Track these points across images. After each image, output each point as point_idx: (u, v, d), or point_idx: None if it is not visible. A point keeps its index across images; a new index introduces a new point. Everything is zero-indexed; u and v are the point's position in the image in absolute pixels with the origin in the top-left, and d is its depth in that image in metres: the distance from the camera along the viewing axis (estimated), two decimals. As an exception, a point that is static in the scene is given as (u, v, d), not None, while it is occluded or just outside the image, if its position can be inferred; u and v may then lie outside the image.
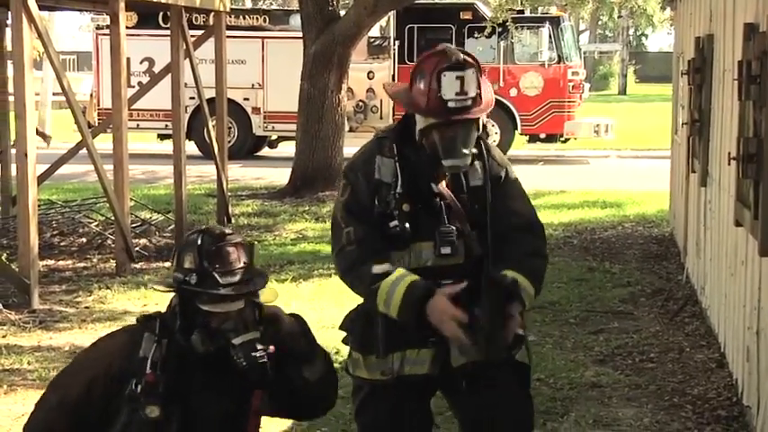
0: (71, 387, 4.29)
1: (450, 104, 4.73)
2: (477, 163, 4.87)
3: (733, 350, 8.75)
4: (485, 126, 4.92)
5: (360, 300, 4.90)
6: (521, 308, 4.64)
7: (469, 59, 4.83)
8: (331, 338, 9.69)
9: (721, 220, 9.35)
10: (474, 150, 4.80)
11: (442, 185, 4.84)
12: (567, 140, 26.51)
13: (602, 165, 25.16)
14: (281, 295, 4.70)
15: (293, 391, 4.41)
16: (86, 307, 11.70)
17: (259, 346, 4.22)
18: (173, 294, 4.36)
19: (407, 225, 4.68)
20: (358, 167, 4.88)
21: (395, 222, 4.70)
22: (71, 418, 4.24)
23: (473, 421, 4.93)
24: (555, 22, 26.73)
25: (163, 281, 4.48)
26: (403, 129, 4.92)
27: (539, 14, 26.90)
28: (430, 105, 4.76)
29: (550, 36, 26.48)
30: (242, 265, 4.27)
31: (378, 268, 4.65)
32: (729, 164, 8.07)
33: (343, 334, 5.00)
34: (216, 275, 4.18)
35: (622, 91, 61.22)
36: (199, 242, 4.24)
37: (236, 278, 4.22)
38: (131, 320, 4.79)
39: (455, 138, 4.74)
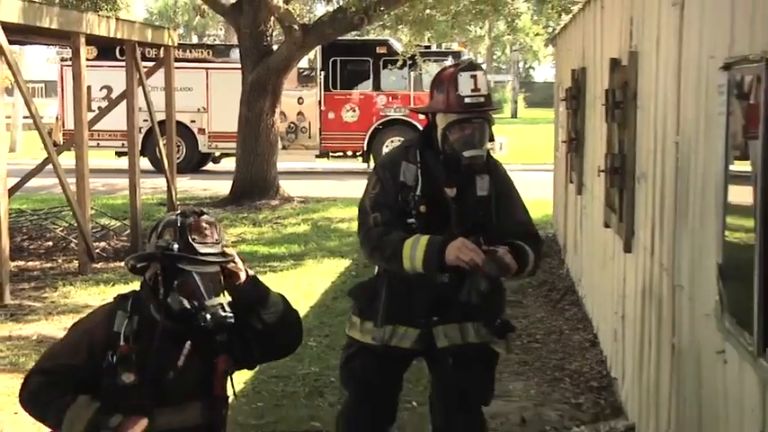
0: (59, 358, 4.28)
1: (467, 100, 4.89)
2: (485, 176, 4.97)
3: (604, 332, 8.87)
4: (493, 136, 5.03)
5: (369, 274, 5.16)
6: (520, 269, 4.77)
7: (479, 64, 5.17)
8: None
9: (593, 222, 9.44)
10: (485, 153, 4.97)
11: (453, 192, 4.93)
12: (468, 156, 26.72)
13: (497, 177, 25.36)
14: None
15: (257, 335, 4.41)
16: (52, 302, 11.59)
17: (227, 309, 4.23)
18: (143, 276, 4.34)
19: (421, 224, 4.83)
20: (387, 168, 5.01)
21: (412, 220, 4.85)
22: (57, 391, 4.21)
23: (445, 387, 5.08)
24: (456, 55, 26.79)
25: (139, 253, 4.46)
26: (425, 138, 5.02)
27: (443, 49, 27.05)
28: (450, 103, 4.90)
29: (453, 67, 26.62)
30: (216, 240, 4.28)
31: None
32: (599, 175, 8.17)
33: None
34: (194, 245, 4.18)
35: (514, 114, 61.65)
36: (178, 220, 4.24)
37: (213, 250, 4.23)
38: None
39: (473, 133, 4.89)
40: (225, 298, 4.28)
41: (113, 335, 4.17)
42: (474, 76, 4.91)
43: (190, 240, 4.18)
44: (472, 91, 4.88)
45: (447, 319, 4.89)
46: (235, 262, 4.33)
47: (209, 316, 4.17)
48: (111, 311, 4.27)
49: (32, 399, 4.27)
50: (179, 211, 4.39)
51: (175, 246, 4.17)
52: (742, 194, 4.01)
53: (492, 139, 5.03)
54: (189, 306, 4.14)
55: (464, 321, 4.90)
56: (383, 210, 4.88)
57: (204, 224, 4.26)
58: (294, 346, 4.69)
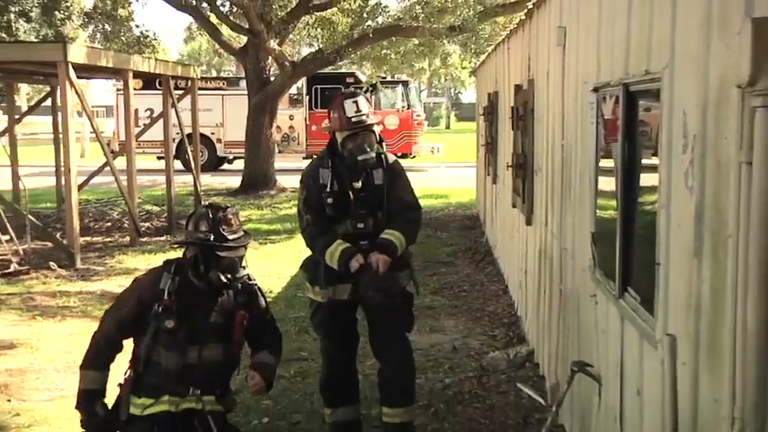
0: (119, 311, 4.27)
1: (353, 119, 4.87)
2: (380, 170, 4.95)
3: (512, 283, 8.92)
4: (382, 139, 5.03)
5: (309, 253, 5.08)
6: (392, 255, 4.78)
7: (358, 91, 5.12)
8: (269, 284, 9.79)
9: (504, 204, 9.47)
10: (374, 154, 4.92)
11: (358, 184, 4.92)
12: (414, 157, 26.65)
13: (436, 172, 25.41)
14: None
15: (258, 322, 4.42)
16: (111, 266, 11.55)
17: (251, 277, 4.30)
18: (184, 249, 4.30)
19: (333, 211, 4.86)
20: (310, 175, 4.99)
21: (328, 209, 4.87)
22: (120, 332, 4.23)
23: (374, 322, 5.07)
24: (405, 84, 26.82)
25: (182, 239, 4.44)
26: (332, 148, 5.01)
27: (395, 79, 26.95)
28: (342, 123, 4.90)
29: (402, 93, 26.60)
30: (238, 225, 4.27)
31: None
32: (508, 169, 8.23)
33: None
34: (225, 234, 4.17)
35: (447, 126, 61.43)
36: (210, 214, 4.21)
37: (238, 234, 4.22)
38: (140, 273, 4.75)
39: (363, 142, 4.88)
40: (248, 269, 4.30)
41: (159, 291, 4.15)
42: (356, 101, 4.91)
43: (221, 231, 4.17)
44: (356, 112, 4.87)
45: None
46: (256, 382, 4.29)
47: (240, 285, 4.23)
48: (159, 273, 4.26)
49: (98, 343, 4.28)
50: (207, 204, 4.36)
51: (211, 236, 4.16)
52: (608, 183, 4.06)
53: (380, 142, 5.03)
54: (226, 280, 4.17)
55: None
56: (310, 211, 4.92)
57: (230, 216, 4.24)
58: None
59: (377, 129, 5.01)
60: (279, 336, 4.56)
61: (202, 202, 4.68)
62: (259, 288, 4.44)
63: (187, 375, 4.17)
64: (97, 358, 4.22)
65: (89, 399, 4.15)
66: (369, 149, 4.89)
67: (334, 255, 4.78)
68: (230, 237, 4.18)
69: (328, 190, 4.87)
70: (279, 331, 4.59)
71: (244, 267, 4.26)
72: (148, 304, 4.16)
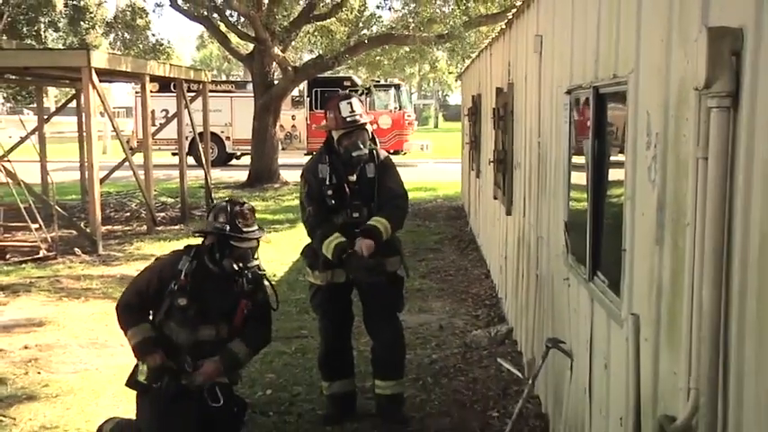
0: (140, 282, 4.30)
1: (348, 119, 4.85)
2: (371, 164, 4.94)
3: (493, 268, 8.92)
4: (374, 137, 5.00)
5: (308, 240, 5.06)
6: (377, 239, 4.76)
7: (353, 93, 5.09)
8: (273, 269, 9.78)
9: (486, 196, 9.46)
10: (367, 150, 4.91)
11: (353, 177, 4.91)
12: (405, 154, 26.65)
13: (425, 167, 25.38)
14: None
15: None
16: (130, 252, 11.50)
17: (261, 268, 4.32)
18: (202, 238, 4.32)
19: (333, 202, 4.85)
20: (311, 171, 4.96)
21: (328, 200, 4.86)
22: (139, 298, 4.24)
23: (367, 303, 5.07)
24: (397, 87, 26.77)
25: (202, 228, 4.44)
26: (329, 146, 4.99)
27: (388, 82, 26.90)
28: (337, 123, 4.88)
29: (394, 95, 26.56)
30: (253, 220, 4.29)
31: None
32: (489, 164, 8.22)
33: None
34: (240, 226, 4.19)
35: (435, 126, 61.42)
36: (228, 207, 4.24)
37: (252, 228, 4.24)
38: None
39: (356, 140, 4.87)
40: (258, 260, 4.31)
41: (177, 271, 4.18)
42: (350, 103, 4.89)
43: (237, 223, 4.19)
44: (350, 112, 4.85)
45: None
46: (203, 369, 4.20)
47: (250, 274, 4.25)
48: (178, 255, 4.30)
49: (123, 312, 4.28)
50: (228, 199, 4.38)
51: (227, 228, 4.17)
52: (579, 177, 4.06)
53: (373, 139, 5.01)
54: (237, 268, 4.18)
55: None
56: (312, 203, 4.89)
57: (246, 211, 4.28)
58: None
59: (369, 127, 5.00)
60: (264, 330, 4.46)
61: (213, 195, 4.72)
62: (267, 279, 4.44)
63: (196, 351, 4.18)
64: (133, 317, 4.24)
65: (147, 346, 4.14)
66: (362, 146, 4.88)
67: (330, 246, 4.78)
68: (245, 229, 4.21)
69: (327, 183, 4.86)
70: (269, 327, 4.49)
71: (255, 258, 4.27)
72: (167, 281, 4.19)
